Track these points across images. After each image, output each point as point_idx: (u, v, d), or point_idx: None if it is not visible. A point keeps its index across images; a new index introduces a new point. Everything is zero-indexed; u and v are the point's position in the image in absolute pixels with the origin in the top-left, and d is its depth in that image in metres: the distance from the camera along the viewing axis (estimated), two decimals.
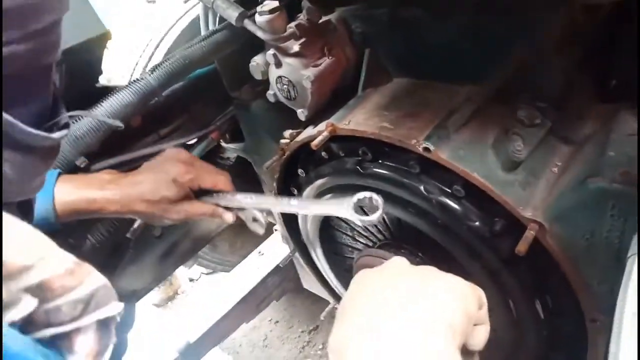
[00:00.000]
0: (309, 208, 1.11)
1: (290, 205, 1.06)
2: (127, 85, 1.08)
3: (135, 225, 1.24)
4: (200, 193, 1.10)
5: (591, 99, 1.08)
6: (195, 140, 1.43)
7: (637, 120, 0.87)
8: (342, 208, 0.93)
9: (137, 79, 1.09)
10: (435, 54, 1.08)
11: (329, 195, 1.24)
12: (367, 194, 0.91)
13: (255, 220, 1.15)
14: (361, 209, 0.94)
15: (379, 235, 1.34)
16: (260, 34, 1.11)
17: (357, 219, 0.91)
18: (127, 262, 1.37)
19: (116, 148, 1.22)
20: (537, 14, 0.90)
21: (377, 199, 0.90)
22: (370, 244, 1.38)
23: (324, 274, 1.58)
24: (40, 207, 0.95)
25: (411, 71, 1.16)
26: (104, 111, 1.04)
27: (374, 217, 0.89)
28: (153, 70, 1.11)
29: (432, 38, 1.06)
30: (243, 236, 2.85)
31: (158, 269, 1.48)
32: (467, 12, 0.98)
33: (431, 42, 1.06)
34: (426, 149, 0.95)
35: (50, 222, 0.97)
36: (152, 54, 1.63)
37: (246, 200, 1.10)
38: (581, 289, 0.92)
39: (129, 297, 1.45)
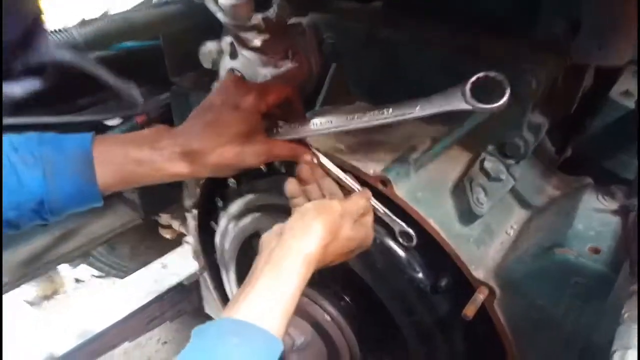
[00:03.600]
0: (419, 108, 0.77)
1: (388, 115, 0.78)
2: None
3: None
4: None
5: (550, 166, 1.04)
6: (117, 122, 1.22)
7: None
8: (456, 99, 0.71)
9: (59, 29, 0.89)
10: (406, 83, 0.98)
11: None
12: (487, 73, 0.69)
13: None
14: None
15: None
16: (220, 15, 0.96)
17: (478, 107, 0.70)
18: None
19: (16, 107, 0.99)
20: (525, 65, 0.83)
21: (501, 78, 0.69)
22: None
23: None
24: (76, 175, 0.73)
25: (376, 96, 1.05)
26: None
27: (501, 102, 0.69)
28: (82, 24, 0.92)
29: (407, 66, 0.97)
30: (149, 242, 2.57)
31: (31, 264, 1.22)
32: (450, 46, 0.90)
33: (404, 70, 0.97)
34: (383, 182, 0.84)
35: (89, 193, 0.75)
36: None
37: (327, 124, 0.83)
38: None
39: None
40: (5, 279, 1.19)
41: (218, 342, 0.61)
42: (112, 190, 0.78)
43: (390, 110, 0.78)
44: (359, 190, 0.87)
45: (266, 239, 0.77)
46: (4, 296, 1.45)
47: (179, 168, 0.78)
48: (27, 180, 0.70)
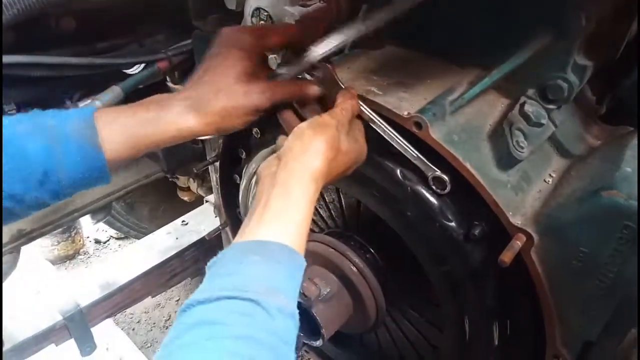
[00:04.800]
0: None
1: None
2: None
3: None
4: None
5: (591, 115, 0.99)
6: (138, 68, 1.19)
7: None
8: None
9: None
10: (445, 24, 0.93)
11: None
12: None
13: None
14: None
15: (330, 222, 1.17)
16: None
17: None
18: None
19: (37, 46, 0.97)
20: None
21: None
22: (317, 229, 1.21)
23: None
24: (80, 139, 0.69)
25: (410, 39, 1.01)
26: None
27: None
28: None
29: (447, 4, 0.92)
30: (167, 204, 2.58)
31: (58, 211, 1.22)
32: None
33: (444, 8, 0.91)
34: (417, 124, 0.80)
35: (95, 159, 0.70)
36: None
37: (327, 46, 0.83)
38: (552, 319, 0.81)
39: (14, 239, 1.18)
40: (30, 227, 1.19)
41: (239, 264, 0.58)
42: (120, 159, 0.73)
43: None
44: (393, 133, 0.83)
45: (265, 165, 0.75)
46: (25, 250, 1.47)
47: (187, 120, 0.75)
48: (30, 149, 0.67)
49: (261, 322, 0.54)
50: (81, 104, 1.10)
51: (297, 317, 0.59)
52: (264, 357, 0.51)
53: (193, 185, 2.24)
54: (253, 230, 0.64)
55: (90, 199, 1.26)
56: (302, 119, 0.85)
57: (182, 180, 2.22)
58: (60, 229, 2.70)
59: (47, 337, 1.52)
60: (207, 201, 1.93)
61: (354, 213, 1.12)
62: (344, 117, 0.79)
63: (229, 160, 1.28)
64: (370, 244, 1.09)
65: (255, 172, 1.19)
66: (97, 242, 3.19)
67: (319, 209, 1.18)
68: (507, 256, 0.74)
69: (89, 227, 3.14)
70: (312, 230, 1.23)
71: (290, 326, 0.57)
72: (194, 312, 0.54)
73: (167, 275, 1.73)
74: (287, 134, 0.82)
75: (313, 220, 1.21)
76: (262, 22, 0.99)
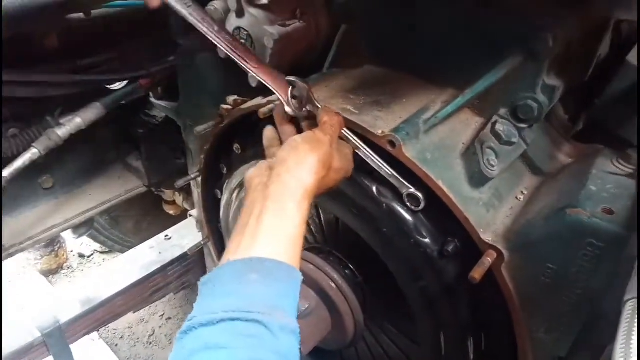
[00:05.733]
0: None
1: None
2: None
3: None
4: None
5: (563, 134, 1.02)
6: (120, 84, 1.20)
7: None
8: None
9: None
10: (423, 43, 0.96)
11: None
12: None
13: None
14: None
15: (310, 237, 1.18)
16: None
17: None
18: None
19: (20, 63, 0.97)
20: (542, 21, 0.80)
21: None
22: None
23: None
24: None
25: (389, 58, 1.03)
26: None
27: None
28: None
29: (425, 24, 0.94)
30: (152, 217, 2.57)
31: (36, 228, 1.21)
32: (471, 1, 0.87)
33: (423, 28, 0.94)
34: (391, 143, 0.82)
35: None
36: None
37: None
38: (524, 334, 0.82)
39: None
40: (10, 242, 1.18)
41: (238, 283, 0.58)
42: None
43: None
44: (368, 151, 0.84)
45: (254, 174, 0.74)
46: (10, 263, 1.45)
47: None
48: None
49: (266, 343, 0.54)
50: (62, 120, 1.11)
51: (298, 331, 0.59)
52: None
53: (178, 199, 2.24)
54: (248, 246, 0.63)
55: (70, 215, 1.26)
56: (298, 126, 0.87)
57: (167, 194, 2.22)
58: (43, 243, 2.67)
59: (26, 353, 1.50)
60: (190, 215, 1.92)
61: (334, 229, 1.13)
62: (335, 133, 0.80)
63: (210, 175, 1.29)
64: (349, 260, 1.10)
65: (236, 188, 1.20)
66: (81, 256, 3.16)
67: None
68: (477, 272, 0.75)
69: (73, 241, 3.10)
70: None
71: (293, 342, 0.58)
72: (198, 335, 0.54)
73: (149, 290, 1.72)
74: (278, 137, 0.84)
75: None
76: (242, 40, 1.01)
